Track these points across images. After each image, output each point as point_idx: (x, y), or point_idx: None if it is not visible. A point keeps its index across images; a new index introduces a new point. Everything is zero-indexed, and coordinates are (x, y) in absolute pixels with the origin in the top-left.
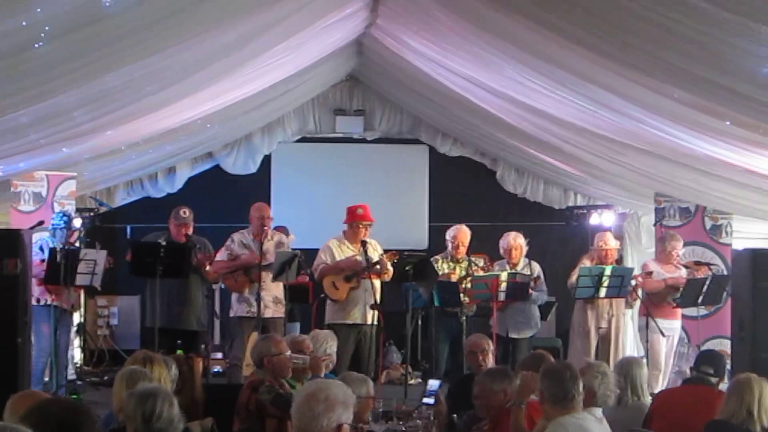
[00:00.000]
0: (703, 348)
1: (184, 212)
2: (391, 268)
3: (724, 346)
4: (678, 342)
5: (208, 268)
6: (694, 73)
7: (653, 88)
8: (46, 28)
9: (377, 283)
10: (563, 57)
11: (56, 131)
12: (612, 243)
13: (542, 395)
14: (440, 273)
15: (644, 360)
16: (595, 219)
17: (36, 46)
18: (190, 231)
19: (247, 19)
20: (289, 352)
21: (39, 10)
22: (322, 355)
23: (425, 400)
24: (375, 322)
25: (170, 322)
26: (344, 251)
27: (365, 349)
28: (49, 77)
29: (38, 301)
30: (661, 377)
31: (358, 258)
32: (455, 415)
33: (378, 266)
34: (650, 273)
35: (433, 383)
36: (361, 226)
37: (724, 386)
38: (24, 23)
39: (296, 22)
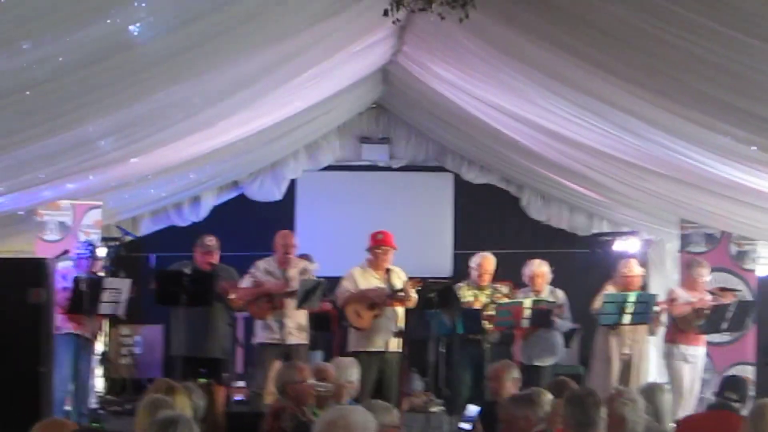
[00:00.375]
0: (726, 374)
1: (210, 240)
2: (414, 296)
3: (748, 372)
4: (703, 369)
5: (232, 296)
6: (719, 98)
7: (678, 114)
8: (75, 56)
9: (400, 310)
10: (588, 82)
11: (82, 160)
12: (636, 270)
13: (565, 422)
14: (463, 300)
15: (667, 386)
16: (619, 246)
17: (62, 76)
18: (216, 259)
19: (274, 48)
20: (312, 380)
21: (68, 39)
22: (344, 383)
23: (462, 425)
24: (399, 350)
25: (194, 350)
26: (368, 279)
27: (389, 377)
28: (76, 106)
29: (59, 329)
30: (684, 403)
31: (383, 286)
32: None
33: (402, 293)
34: (675, 299)
35: (472, 409)
36: (379, 251)
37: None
38: (53, 53)
39: (322, 50)
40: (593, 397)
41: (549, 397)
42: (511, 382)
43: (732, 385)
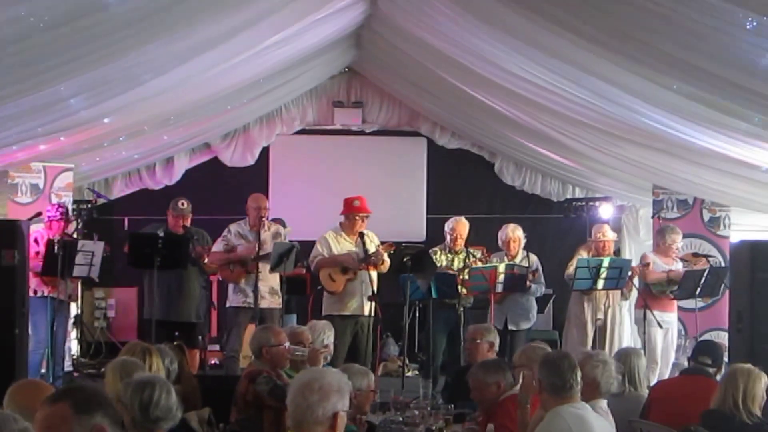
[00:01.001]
0: (701, 339)
1: (182, 203)
2: (387, 260)
3: (722, 338)
4: (677, 335)
5: (206, 260)
6: (693, 64)
7: (652, 80)
8: (45, 17)
9: (374, 274)
10: (562, 48)
11: (53, 119)
12: (610, 234)
13: (540, 385)
14: (438, 265)
15: (642, 351)
16: (593, 212)
17: (35, 34)
18: (189, 222)
19: (245, 8)
20: (287, 344)
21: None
22: (320, 347)
23: None
24: (372, 314)
25: (168, 314)
26: (341, 243)
27: (362, 341)
28: (47, 67)
29: (35, 292)
30: (658, 369)
31: (356, 250)
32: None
33: (375, 257)
34: (648, 264)
35: None
36: (357, 217)
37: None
38: (23, 12)
39: (294, 12)
40: (568, 359)
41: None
42: (487, 345)
43: (706, 349)
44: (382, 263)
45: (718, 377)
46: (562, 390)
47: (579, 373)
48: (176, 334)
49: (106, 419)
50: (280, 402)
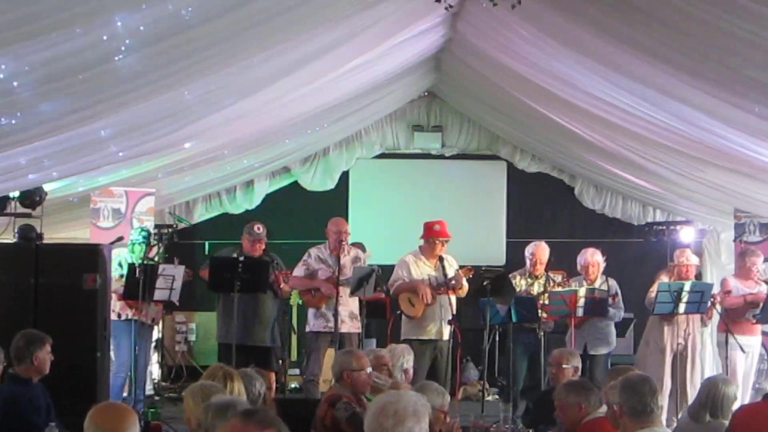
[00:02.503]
0: None
1: (258, 228)
2: (466, 284)
3: None
4: (758, 359)
5: (282, 285)
6: None
7: (734, 103)
8: (127, 41)
9: (453, 298)
10: (643, 71)
11: (135, 144)
12: (693, 259)
13: (620, 408)
14: (517, 289)
15: (727, 378)
16: (674, 235)
17: (117, 58)
18: (264, 246)
19: (326, 32)
20: (370, 369)
21: (119, 24)
22: (401, 380)
23: None
24: (451, 338)
25: (243, 338)
26: (421, 267)
27: (441, 365)
28: (128, 89)
29: (119, 316)
30: (740, 394)
31: (434, 273)
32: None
33: (454, 282)
34: (729, 292)
35: None
36: (437, 242)
37: None
38: (105, 37)
39: (374, 36)
40: (649, 383)
41: None
42: (572, 370)
43: None
44: (461, 288)
45: None
46: (642, 414)
47: (658, 398)
48: (252, 359)
49: None
50: (358, 430)
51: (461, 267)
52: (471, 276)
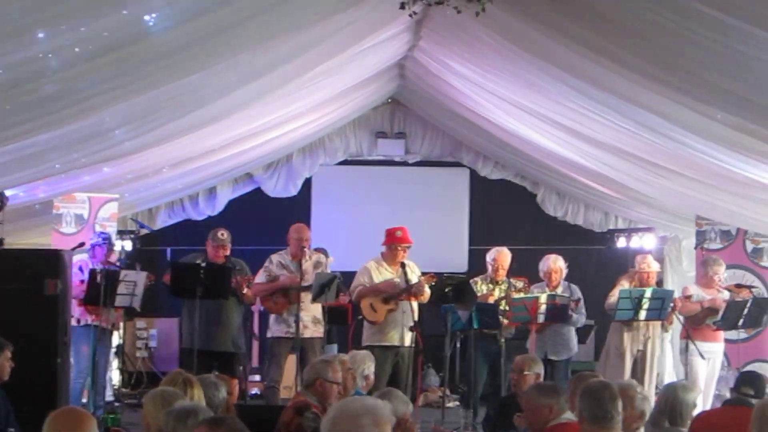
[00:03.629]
0: (744, 370)
1: (222, 234)
2: (428, 291)
3: (765, 369)
4: (720, 366)
5: (245, 290)
6: (737, 94)
7: (696, 110)
8: (90, 47)
9: (415, 305)
10: (606, 78)
11: (97, 150)
12: (654, 266)
13: (580, 415)
14: (478, 294)
15: (687, 384)
16: (635, 242)
17: (79, 64)
18: (228, 252)
19: (288, 40)
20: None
21: (83, 29)
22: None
23: None
24: (413, 345)
25: (207, 343)
26: (382, 273)
27: (403, 372)
28: (90, 95)
29: (78, 321)
30: (701, 400)
31: (397, 280)
32: None
33: (416, 288)
34: (689, 297)
35: None
36: (399, 248)
37: None
38: (68, 42)
39: (337, 43)
40: (609, 390)
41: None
42: (534, 377)
43: (749, 380)
44: (422, 294)
45: None
46: (603, 420)
47: (620, 404)
48: (215, 364)
49: None
50: None
51: (424, 274)
52: (433, 283)
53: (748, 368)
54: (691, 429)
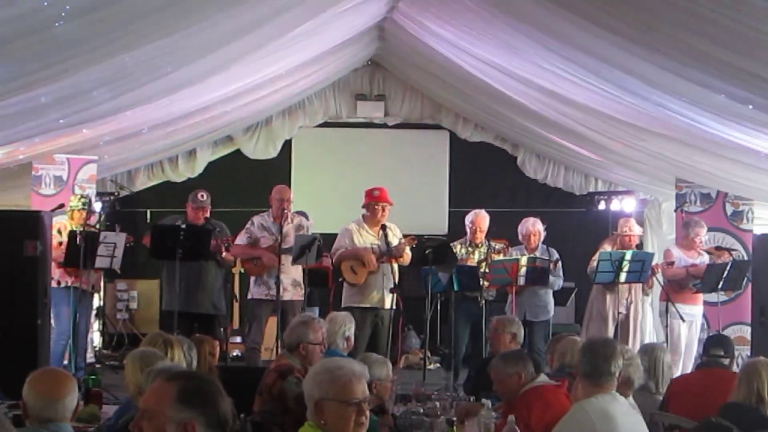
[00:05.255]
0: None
1: (202, 196)
2: (409, 252)
3: (744, 332)
4: (700, 328)
5: (224, 254)
6: (716, 57)
7: (675, 72)
8: (67, 7)
9: (396, 267)
10: (585, 40)
11: (75, 110)
12: (636, 229)
13: (577, 370)
14: (458, 258)
15: (666, 346)
16: (615, 205)
17: (56, 24)
18: (208, 214)
19: (267, 1)
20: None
21: None
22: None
23: None
24: (393, 307)
25: (186, 305)
26: (363, 235)
27: (382, 334)
28: (69, 56)
29: (59, 283)
30: (681, 362)
31: (378, 243)
32: (474, 398)
33: (396, 250)
34: (672, 263)
35: None
36: (378, 206)
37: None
38: (45, 3)
39: (317, 4)
40: (608, 347)
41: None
42: (510, 337)
43: (717, 342)
44: (403, 256)
45: (735, 369)
46: (594, 377)
47: (617, 364)
48: (195, 326)
49: (202, 419)
50: (305, 409)
51: (405, 236)
52: (414, 245)
53: (728, 331)
54: (668, 393)
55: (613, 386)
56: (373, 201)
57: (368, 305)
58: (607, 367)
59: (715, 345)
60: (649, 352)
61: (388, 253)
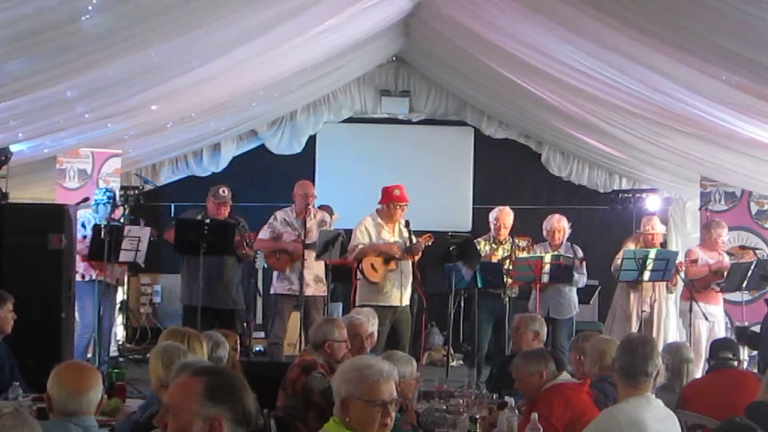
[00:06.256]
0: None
1: (223, 191)
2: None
3: None
4: (723, 327)
5: (246, 250)
6: (742, 55)
7: (701, 70)
8: (94, 1)
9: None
10: (610, 37)
11: (101, 105)
12: (659, 227)
13: (614, 367)
14: (482, 254)
15: (689, 345)
16: (639, 203)
17: (83, 18)
18: (228, 210)
19: None
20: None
21: None
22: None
23: None
24: (414, 304)
25: (207, 300)
26: (381, 232)
27: (403, 332)
28: (95, 49)
29: (83, 277)
30: (703, 362)
31: (398, 240)
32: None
33: (415, 248)
34: (695, 261)
35: None
36: (398, 206)
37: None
38: None
39: (343, 0)
40: (648, 346)
41: None
42: (532, 334)
43: (725, 346)
44: (419, 254)
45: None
46: (630, 377)
47: (655, 364)
48: (215, 322)
49: (228, 414)
50: (329, 403)
51: (424, 233)
52: (430, 243)
53: (751, 330)
54: (682, 398)
55: (649, 387)
56: (393, 201)
57: (385, 303)
58: (645, 367)
59: (724, 348)
60: (673, 351)
61: (408, 251)
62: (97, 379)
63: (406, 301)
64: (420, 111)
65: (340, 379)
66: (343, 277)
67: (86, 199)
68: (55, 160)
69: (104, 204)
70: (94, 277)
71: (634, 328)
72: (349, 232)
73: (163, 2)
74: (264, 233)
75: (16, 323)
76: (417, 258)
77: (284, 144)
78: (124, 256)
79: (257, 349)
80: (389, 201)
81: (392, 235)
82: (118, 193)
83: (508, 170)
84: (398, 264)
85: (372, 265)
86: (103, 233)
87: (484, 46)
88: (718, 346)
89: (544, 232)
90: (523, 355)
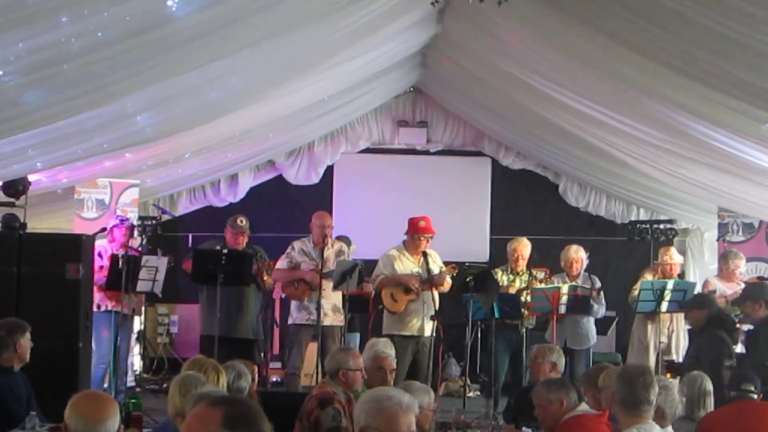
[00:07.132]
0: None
1: (241, 221)
2: (449, 281)
3: None
4: None
5: (265, 278)
6: (759, 85)
7: (718, 101)
8: (112, 31)
9: (436, 294)
10: (627, 69)
11: (119, 136)
12: (677, 258)
13: (613, 398)
14: (499, 285)
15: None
16: (657, 234)
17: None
18: (246, 240)
19: (311, 28)
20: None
21: (106, 14)
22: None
23: None
24: (433, 334)
25: (226, 330)
26: (404, 263)
27: (423, 361)
28: (113, 80)
29: (98, 307)
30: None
31: (419, 270)
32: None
33: (437, 279)
34: (713, 292)
35: None
36: (423, 238)
37: None
38: (91, 27)
39: (360, 31)
40: (646, 376)
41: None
42: (549, 366)
43: (746, 378)
44: (443, 284)
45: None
46: (632, 407)
47: (655, 392)
48: (234, 352)
49: None
50: None
51: (446, 264)
52: (455, 273)
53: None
54: (699, 427)
55: (651, 415)
56: (419, 233)
57: (408, 333)
58: (647, 396)
59: (747, 380)
60: (692, 381)
61: (429, 281)
62: (114, 408)
63: (428, 332)
64: (437, 141)
65: (359, 408)
66: (360, 308)
67: (104, 230)
68: (73, 191)
69: (118, 226)
70: (110, 307)
71: (651, 359)
72: (366, 263)
73: (180, 34)
74: (281, 263)
75: (33, 352)
76: (443, 288)
77: (302, 174)
78: (141, 286)
79: (274, 379)
80: (414, 232)
81: (417, 266)
82: (135, 224)
83: (526, 201)
84: (419, 294)
85: (392, 295)
86: (120, 263)
87: (502, 76)
88: (739, 379)
89: (562, 263)
90: (545, 382)
